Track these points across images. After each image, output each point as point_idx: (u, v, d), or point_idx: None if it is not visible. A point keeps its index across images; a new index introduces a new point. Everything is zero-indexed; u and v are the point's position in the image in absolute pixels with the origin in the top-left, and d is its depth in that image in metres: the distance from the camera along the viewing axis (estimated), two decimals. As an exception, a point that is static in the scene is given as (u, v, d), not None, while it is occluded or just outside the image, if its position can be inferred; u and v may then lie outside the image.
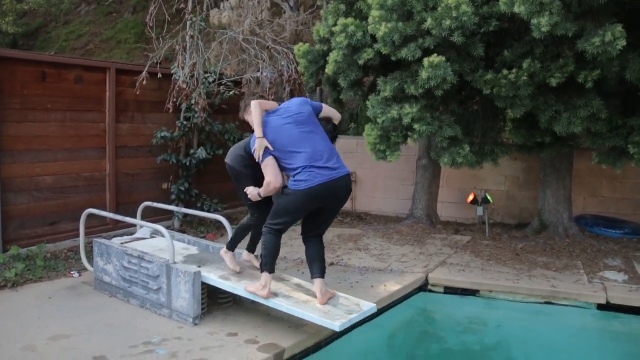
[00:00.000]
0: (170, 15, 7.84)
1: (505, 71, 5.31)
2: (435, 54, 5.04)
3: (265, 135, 4.08)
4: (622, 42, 4.59)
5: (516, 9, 4.65)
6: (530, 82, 5.29)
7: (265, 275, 4.16)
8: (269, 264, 4.15)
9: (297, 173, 4.00)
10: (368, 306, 4.23)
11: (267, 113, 4.19)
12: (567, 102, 5.56)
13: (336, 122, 4.47)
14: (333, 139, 4.36)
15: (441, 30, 4.90)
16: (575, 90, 5.50)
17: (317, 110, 4.30)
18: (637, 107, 5.62)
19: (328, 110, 4.43)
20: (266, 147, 4.06)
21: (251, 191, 4.27)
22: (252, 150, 4.12)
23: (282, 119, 4.12)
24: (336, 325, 3.89)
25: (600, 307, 5.45)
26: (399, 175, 8.88)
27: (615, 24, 4.64)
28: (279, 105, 4.29)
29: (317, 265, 4.23)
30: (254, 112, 4.11)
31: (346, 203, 9.24)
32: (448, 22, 4.80)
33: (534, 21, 4.60)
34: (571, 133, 5.65)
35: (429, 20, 4.91)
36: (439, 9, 4.85)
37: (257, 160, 4.12)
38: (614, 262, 6.48)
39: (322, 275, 4.22)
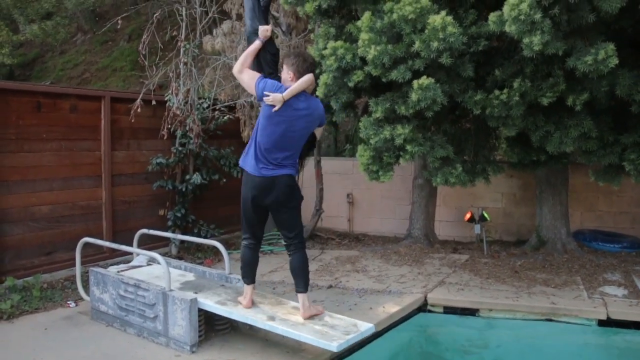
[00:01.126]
0: (164, 43, 7.92)
1: (497, 91, 5.35)
2: (425, 76, 5.07)
3: (281, 107, 4.03)
4: (614, 61, 4.61)
5: (507, 29, 4.69)
6: (522, 101, 5.33)
7: (245, 287, 4.45)
8: (245, 276, 4.46)
9: (248, 154, 4.21)
10: (366, 327, 4.21)
11: (299, 95, 4.10)
12: (557, 122, 5.60)
13: (317, 136, 4.62)
14: (308, 148, 4.50)
15: (430, 52, 4.94)
16: (566, 110, 5.54)
17: (320, 124, 4.38)
18: (629, 123, 5.65)
19: (321, 128, 4.55)
20: (271, 105, 4.05)
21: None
22: (262, 94, 4.07)
23: (300, 116, 4.11)
24: (333, 346, 3.87)
25: (601, 323, 5.43)
26: (395, 195, 8.88)
27: (607, 42, 4.69)
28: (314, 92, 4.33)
29: (299, 279, 4.30)
30: (301, 83, 4.05)
31: (344, 224, 9.26)
32: (436, 44, 4.84)
33: (526, 40, 4.63)
34: (562, 152, 5.68)
35: (417, 43, 4.95)
36: (427, 31, 4.90)
37: (261, 98, 4.09)
38: (613, 277, 6.46)
39: (304, 289, 4.27)
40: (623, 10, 4.65)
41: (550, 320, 5.52)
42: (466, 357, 5.28)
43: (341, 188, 9.25)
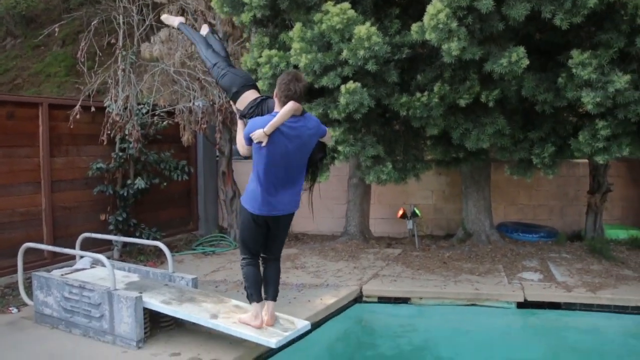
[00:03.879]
0: (100, 48, 7.98)
1: (418, 94, 5.80)
2: (352, 81, 5.46)
3: (269, 139, 3.93)
4: (525, 62, 5.17)
5: (427, 37, 5.15)
6: (442, 103, 5.81)
7: (254, 305, 4.37)
8: (253, 294, 4.37)
9: (252, 190, 4.15)
10: (302, 324, 4.54)
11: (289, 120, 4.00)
12: (475, 121, 6.13)
13: (328, 143, 4.60)
14: (318, 162, 4.52)
15: (357, 59, 5.34)
16: (482, 110, 6.07)
17: (321, 136, 4.27)
18: (536, 122, 6.24)
19: (328, 131, 4.40)
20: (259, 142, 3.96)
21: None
22: (249, 138, 4.02)
23: (290, 142, 4.01)
24: (272, 343, 4.20)
25: (519, 305, 5.99)
26: (332, 195, 9.23)
27: (518, 46, 5.22)
28: (303, 113, 4.13)
29: (271, 288, 4.47)
30: (284, 113, 3.94)
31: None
32: (362, 52, 5.25)
33: (445, 47, 5.11)
34: (480, 148, 6.21)
35: (345, 51, 5.34)
36: (353, 40, 5.28)
37: (250, 142, 4.05)
38: (531, 264, 7.06)
39: (274, 298, 4.47)
40: (529, 18, 5.19)
41: (475, 305, 6.02)
42: (400, 341, 5.67)
43: (280, 189, 9.52)
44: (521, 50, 5.18)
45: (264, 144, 3.94)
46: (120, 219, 7.36)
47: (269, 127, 3.90)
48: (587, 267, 6.81)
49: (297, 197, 4.31)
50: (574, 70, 5.21)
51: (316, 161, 4.45)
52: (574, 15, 4.93)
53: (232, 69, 4.57)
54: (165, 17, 5.27)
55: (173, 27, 5.24)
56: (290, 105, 3.97)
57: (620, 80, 5.06)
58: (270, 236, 4.41)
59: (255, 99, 4.39)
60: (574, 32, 5.48)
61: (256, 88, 4.56)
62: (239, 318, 4.46)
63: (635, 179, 8.99)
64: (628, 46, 5.21)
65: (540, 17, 5.18)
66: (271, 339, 4.20)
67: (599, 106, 5.27)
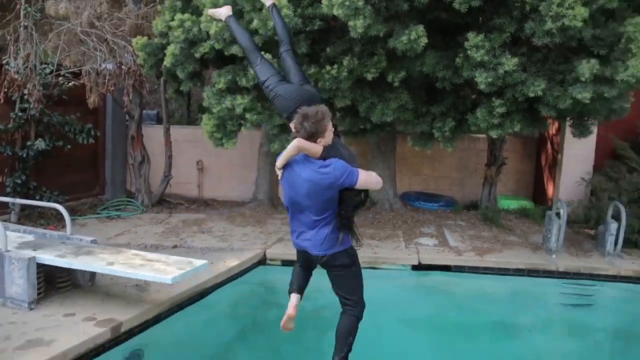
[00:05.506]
0: (1, 2, 7.56)
1: (328, 67, 5.96)
2: (263, 51, 5.52)
3: (284, 173, 3.61)
4: (424, 40, 5.40)
5: (335, 12, 5.28)
6: (350, 76, 5.99)
7: (290, 297, 4.05)
8: (291, 284, 4.08)
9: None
10: (200, 262, 4.65)
11: (306, 161, 3.57)
12: (380, 96, 6.37)
13: (376, 188, 3.82)
14: (357, 207, 3.83)
15: (267, 30, 5.41)
16: (388, 85, 6.32)
17: (349, 186, 3.55)
18: (438, 97, 6.58)
19: (365, 180, 3.60)
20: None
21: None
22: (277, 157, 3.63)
23: (303, 183, 3.54)
24: (168, 279, 4.28)
25: (414, 267, 6.41)
26: (243, 162, 9.34)
27: (418, 25, 5.45)
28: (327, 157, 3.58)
29: (336, 342, 3.84)
30: (289, 150, 3.52)
31: (194, 190, 9.52)
32: (271, 23, 5.31)
33: (351, 23, 5.26)
34: (385, 121, 6.48)
35: (256, 22, 5.39)
36: (264, 10, 5.34)
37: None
38: (428, 230, 7.50)
39: (336, 353, 3.80)
40: (435, 1, 5.42)
41: (373, 267, 6.34)
42: (301, 301, 5.89)
43: (192, 155, 9.51)
44: (420, 29, 5.40)
45: (279, 177, 3.69)
46: (18, 181, 7.12)
47: (279, 161, 3.60)
48: (478, 234, 7.33)
49: (321, 243, 3.70)
50: (469, 52, 5.51)
51: (352, 207, 3.75)
52: (472, -1, 5.20)
53: (283, 88, 3.95)
54: (212, 12, 4.59)
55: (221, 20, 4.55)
56: (295, 142, 3.51)
57: (509, 62, 5.41)
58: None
59: None
60: (474, 15, 5.78)
61: None
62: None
63: (529, 155, 9.66)
64: (519, 31, 5.57)
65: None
66: (167, 276, 4.28)
67: (490, 85, 5.61)
